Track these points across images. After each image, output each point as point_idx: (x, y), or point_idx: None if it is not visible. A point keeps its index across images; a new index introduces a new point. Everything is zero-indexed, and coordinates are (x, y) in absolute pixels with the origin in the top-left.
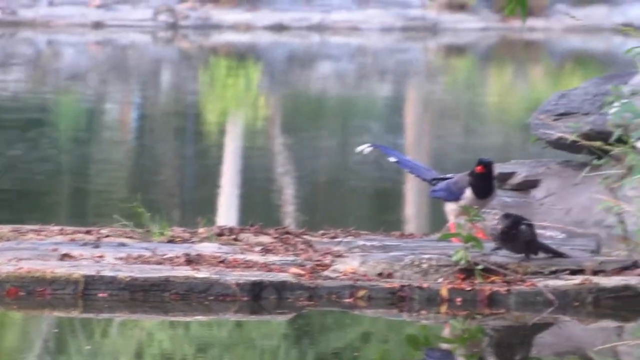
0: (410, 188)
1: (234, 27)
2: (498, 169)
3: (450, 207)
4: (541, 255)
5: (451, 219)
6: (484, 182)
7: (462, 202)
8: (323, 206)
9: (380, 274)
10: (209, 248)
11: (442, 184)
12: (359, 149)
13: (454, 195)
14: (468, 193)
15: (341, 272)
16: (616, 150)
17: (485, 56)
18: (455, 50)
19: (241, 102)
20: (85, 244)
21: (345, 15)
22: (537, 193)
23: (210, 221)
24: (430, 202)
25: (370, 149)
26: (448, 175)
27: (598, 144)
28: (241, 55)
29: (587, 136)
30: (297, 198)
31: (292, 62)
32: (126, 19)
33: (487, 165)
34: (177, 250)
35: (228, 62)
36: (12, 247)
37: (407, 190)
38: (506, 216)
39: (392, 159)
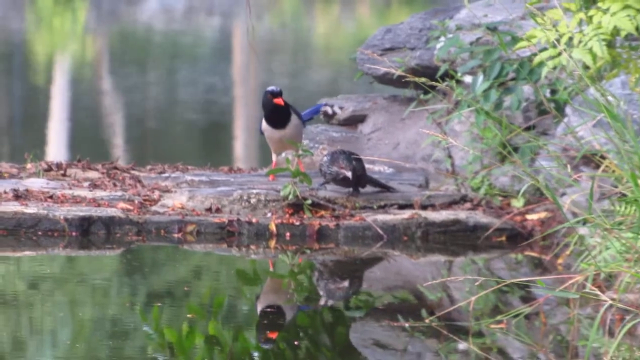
0: (240, 125)
1: None
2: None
3: (266, 140)
4: (369, 189)
5: (272, 153)
6: (276, 111)
7: (265, 134)
8: (151, 142)
9: (208, 209)
10: (37, 183)
11: None
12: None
13: (259, 127)
14: (264, 124)
15: (169, 207)
16: (443, 85)
17: None
18: None
19: (68, 40)
20: None
21: None
22: (365, 128)
23: (39, 157)
24: (260, 138)
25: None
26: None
27: (424, 79)
28: None
29: (414, 71)
30: (125, 134)
31: None
32: None
33: (276, 95)
34: (5, 185)
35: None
36: None
37: (236, 127)
38: (349, 159)
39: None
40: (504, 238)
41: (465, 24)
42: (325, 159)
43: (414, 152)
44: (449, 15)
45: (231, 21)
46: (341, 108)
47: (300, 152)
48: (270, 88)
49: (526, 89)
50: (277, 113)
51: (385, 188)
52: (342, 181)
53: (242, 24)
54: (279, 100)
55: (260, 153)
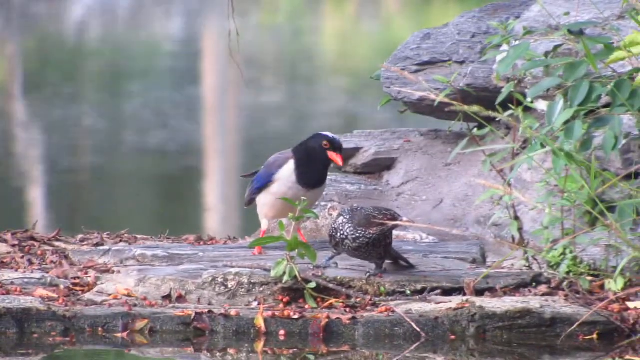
0: (212, 178)
1: None
2: None
3: (262, 200)
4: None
5: (262, 219)
6: (319, 165)
7: (275, 187)
8: (84, 201)
9: (167, 297)
10: None
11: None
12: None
13: (266, 178)
14: (286, 176)
15: (110, 295)
16: (505, 115)
17: None
18: None
19: None
20: None
21: None
22: (393, 178)
23: None
24: (240, 197)
25: None
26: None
27: (478, 107)
28: None
29: (464, 95)
30: (47, 188)
31: None
32: None
33: (337, 149)
34: None
35: None
36: None
37: (207, 180)
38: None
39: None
40: (595, 336)
41: (538, 25)
42: (341, 219)
43: (465, 212)
44: (514, 13)
45: (198, 21)
46: (357, 149)
47: (299, 213)
48: (329, 135)
49: (625, 120)
50: (322, 170)
51: (404, 262)
52: (369, 247)
53: (215, 26)
54: (338, 159)
55: (241, 220)
